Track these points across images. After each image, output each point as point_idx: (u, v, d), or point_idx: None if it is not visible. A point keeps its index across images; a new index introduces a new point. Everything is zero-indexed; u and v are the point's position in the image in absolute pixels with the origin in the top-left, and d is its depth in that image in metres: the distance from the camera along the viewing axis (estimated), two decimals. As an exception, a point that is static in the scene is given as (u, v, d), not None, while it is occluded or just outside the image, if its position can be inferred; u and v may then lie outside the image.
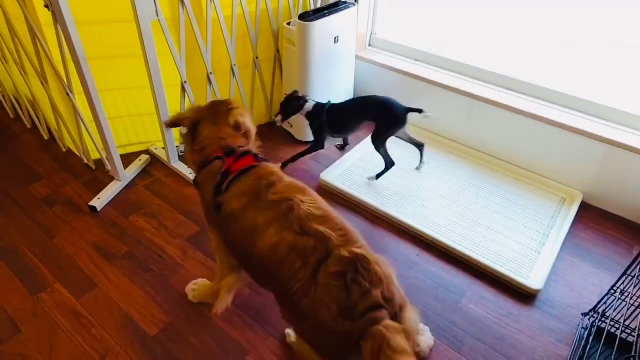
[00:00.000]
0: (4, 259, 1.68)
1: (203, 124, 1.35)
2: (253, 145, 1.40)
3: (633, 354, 0.92)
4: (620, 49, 1.87)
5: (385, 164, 2.02)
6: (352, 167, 2.18)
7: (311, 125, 2.09)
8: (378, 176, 2.05)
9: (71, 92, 1.80)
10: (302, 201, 1.08)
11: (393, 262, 1.70)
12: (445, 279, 1.67)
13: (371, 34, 2.53)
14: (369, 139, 2.04)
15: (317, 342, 1.02)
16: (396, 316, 0.96)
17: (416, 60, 2.40)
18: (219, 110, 1.37)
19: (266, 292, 1.58)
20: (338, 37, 2.15)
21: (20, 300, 1.54)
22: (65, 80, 1.77)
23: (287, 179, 1.22)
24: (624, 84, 1.92)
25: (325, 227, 1.02)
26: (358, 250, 0.97)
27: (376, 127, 1.98)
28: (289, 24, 2.10)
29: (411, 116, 1.94)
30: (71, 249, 1.73)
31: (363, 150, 2.27)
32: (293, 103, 2.01)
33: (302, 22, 1.98)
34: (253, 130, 1.41)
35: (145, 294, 1.58)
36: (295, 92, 2.04)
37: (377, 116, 1.99)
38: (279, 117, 2.03)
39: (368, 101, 2.05)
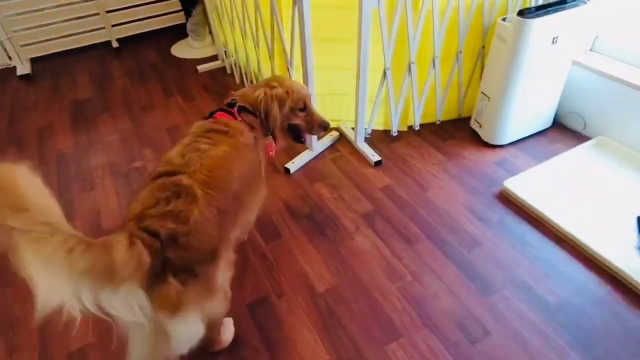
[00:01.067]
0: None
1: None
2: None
3: None
4: None
5: None
6: (545, 180, 1.98)
7: None
8: None
9: (291, 66, 2.07)
10: None
11: (571, 295, 1.53)
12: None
13: (596, 37, 2.22)
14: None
15: None
16: None
17: (651, 71, 2.03)
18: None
19: (428, 283, 1.61)
20: (557, 37, 1.95)
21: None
22: (289, 56, 2.04)
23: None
24: None
25: None
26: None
27: None
28: (504, 19, 2.00)
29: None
30: (266, 202, 2.01)
31: (559, 164, 2.04)
32: None
33: (520, 18, 1.86)
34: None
35: (318, 254, 1.76)
36: None
37: None
38: None
39: None
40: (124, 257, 0.86)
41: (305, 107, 1.51)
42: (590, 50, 2.26)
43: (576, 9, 1.93)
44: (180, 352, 1.10)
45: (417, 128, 2.35)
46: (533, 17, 1.86)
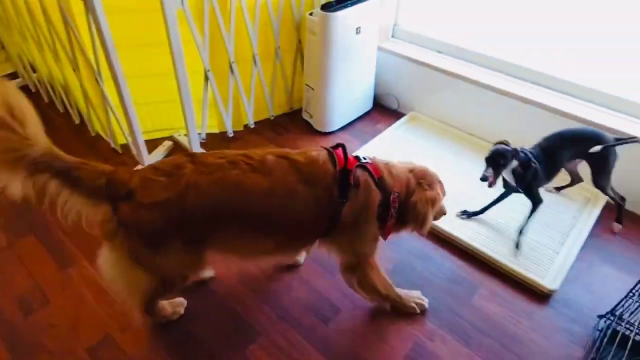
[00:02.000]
0: (35, 233, 1.79)
1: None
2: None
3: (642, 356, 0.90)
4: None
5: (617, 205, 1.81)
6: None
7: (522, 181, 1.67)
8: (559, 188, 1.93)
9: (100, 78, 1.88)
10: None
11: (407, 255, 1.72)
12: (459, 275, 1.67)
13: (394, 25, 2.51)
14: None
15: None
16: None
17: (439, 52, 2.37)
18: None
19: (280, 276, 1.63)
20: (360, 27, 2.14)
21: (51, 273, 1.64)
22: (95, 67, 1.85)
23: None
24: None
25: None
26: None
27: (592, 165, 1.70)
28: (311, 14, 2.11)
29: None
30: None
31: (381, 142, 2.26)
32: (504, 155, 1.59)
33: (324, 12, 1.98)
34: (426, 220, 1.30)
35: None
36: (504, 142, 1.63)
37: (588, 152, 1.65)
38: (490, 172, 1.59)
39: (575, 136, 1.69)
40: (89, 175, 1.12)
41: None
42: (392, 37, 2.54)
43: (371, 0, 2.14)
44: None
45: (252, 126, 2.36)
46: (335, 11, 2.00)
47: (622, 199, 1.81)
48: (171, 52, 1.81)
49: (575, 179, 1.91)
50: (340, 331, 1.48)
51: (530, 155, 1.63)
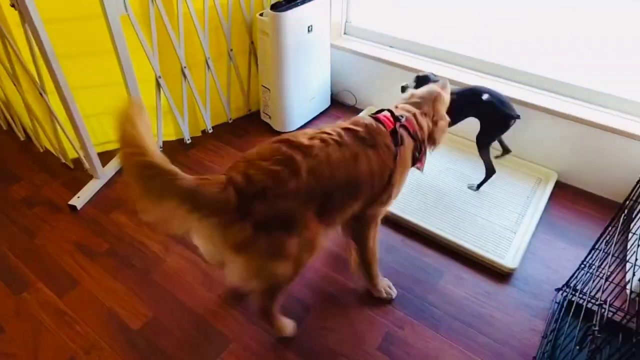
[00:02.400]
0: (-16, 261, 1.69)
1: None
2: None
3: (594, 322, 0.95)
4: (592, 31, 1.90)
5: (487, 170, 1.93)
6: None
7: None
8: (479, 186, 1.98)
9: (44, 91, 1.79)
10: None
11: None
12: (424, 262, 1.71)
13: (346, 22, 2.54)
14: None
15: None
16: None
17: (391, 46, 2.41)
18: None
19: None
20: (311, 26, 2.15)
21: (3, 300, 1.55)
22: (37, 80, 1.76)
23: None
24: (594, 65, 1.95)
25: None
26: None
27: (481, 126, 1.85)
28: (261, 14, 2.10)
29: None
30: (52, 249, 1.73)
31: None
32: (429, 79, 1.82)
33: (273, 12, 1.98)
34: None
35: (128, 289, 1.60)
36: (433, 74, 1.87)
37: (482, 113, 1.82)
38: (412, 85, 1.84)
39: (473, 94, 1.84)
40: (216, 194, 1.08)
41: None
42: (345, 33, 2.57)
43: (321, -1, 2.15)
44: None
45: (210, 131, 2.32)
46: (285, 10, 2.00)
47: (492, 170, 1.93)
48: (118, 59, 1.76)
49: (505, 150, 2.07)
50: (312, 329, 1.48)
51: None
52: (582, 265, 1.45)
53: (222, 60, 2.20)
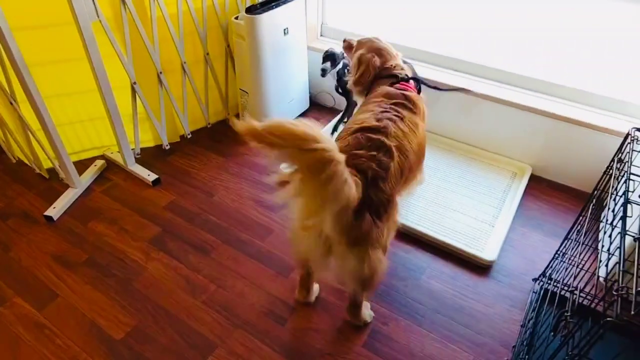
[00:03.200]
0: (-43, 277, 1.64)
1: None
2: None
3: (567, 308, 0.99)
4: (561, 30, 1.96)
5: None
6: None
7: (340, 81, 2.18)
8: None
9: (14, 100, 1.75)
10: None
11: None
12: (406, 259, 1.73)
13: (322, 24, 2.55)
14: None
15: None
16: None
17: (367, 47, 2.43)
18: None
19: (232, 285, 1.62)
20: (287, 28, 2.16)
21: (-22, 317, 1.51)
22: (7, 89, 1.72)
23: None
24: (564, 61, 2.02)
25: None
26: None
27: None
28: (237, 18, 2.10)
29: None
30: (29, 261, 1.70)
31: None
32: (337, 56, 2.10)
33: (249, 15, 1.98)
34: None
35: (109, 299, 1.57)
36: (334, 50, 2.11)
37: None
38: (328, 66, 2.08)
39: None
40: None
41: None
42: (321, 35, 2.59)
43: (295, 1, 2.16)
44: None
45: (189, 136, 2.30)
46: (260, 13, 2.00)
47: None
48: (91, 66, 1.73)
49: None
50: (297, 330, 1.49)
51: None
52: (557, 255, 1.50)
53: (199, 64, 2.19)
